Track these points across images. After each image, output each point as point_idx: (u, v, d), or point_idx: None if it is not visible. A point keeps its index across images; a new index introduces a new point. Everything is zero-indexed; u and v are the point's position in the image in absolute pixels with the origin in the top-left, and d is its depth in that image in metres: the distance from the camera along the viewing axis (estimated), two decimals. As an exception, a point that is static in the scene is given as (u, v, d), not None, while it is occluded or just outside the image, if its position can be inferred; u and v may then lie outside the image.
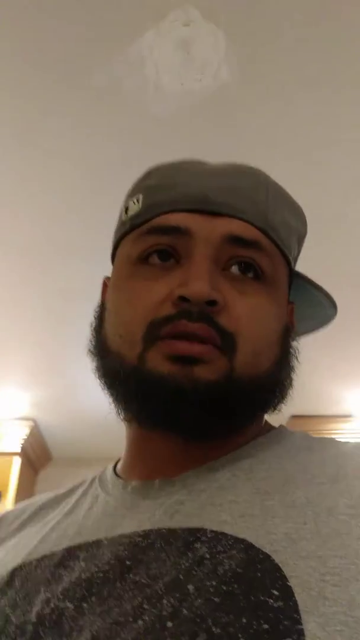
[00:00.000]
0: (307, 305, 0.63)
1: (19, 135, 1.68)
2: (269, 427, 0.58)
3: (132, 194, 0.59)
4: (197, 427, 0.49)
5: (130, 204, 0.58)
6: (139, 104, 1.59)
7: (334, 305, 0.63)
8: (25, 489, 3.09)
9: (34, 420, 3.09)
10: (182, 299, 0.48)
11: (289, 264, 0.58)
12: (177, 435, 0.51)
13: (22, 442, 3.04)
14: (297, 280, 0.61)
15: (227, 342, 0.49)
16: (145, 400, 0.49)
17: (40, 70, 1.51)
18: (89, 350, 0.56)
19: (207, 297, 0.48)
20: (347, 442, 0.54)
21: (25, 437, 3.05)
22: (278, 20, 1.39)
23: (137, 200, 0.57)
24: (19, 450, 3.03)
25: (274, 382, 0.53)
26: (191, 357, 0.48)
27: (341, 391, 2.85)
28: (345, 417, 2.95)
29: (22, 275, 2.23)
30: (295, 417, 2.83)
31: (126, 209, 0.58)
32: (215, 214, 0.52)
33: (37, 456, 3.30)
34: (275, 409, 0.55)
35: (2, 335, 2.57)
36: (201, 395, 0.47)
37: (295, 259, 0.61)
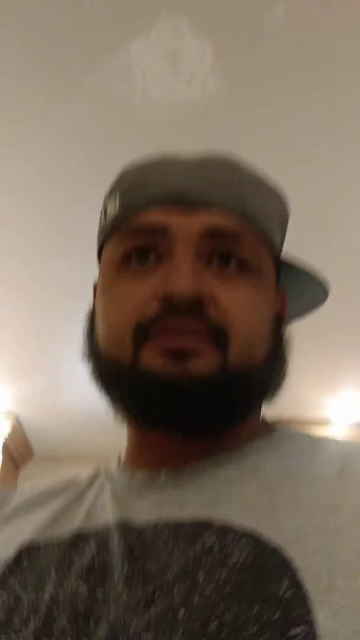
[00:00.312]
0: (298, 287, 0.62)
1: (16, 132, 1.70)
2: (273, 427, 0.58)
3: (109, 196, 0.59)
4: (194, 422, 0.49)
5: (109, 206, 0.58)
6: (128, 110, 1.62)
7: (325, 284, 0.62)
8: (7, 485, 3.10)
9: (16, 416, 3.10)
10: (167, 296, 0.48)
11: (273, 250, 0.57)
12: (176, 432, 0.51)
13: (4, 438, 3.05)
14: (285, 265, 0.60)
15: (218, 336, 0.49)
16: (141, 399, 0.49)
17: (34, 75, 1.54)
18: (83, 354, 0.56)
19: (192, 291, 0.48)
20: (350, 441, 0.55)
21: (7, 433, 3.06)
22: (265, 31, 1.42)
23: (115, 202, 0.57)
24: (1, 446, 3.04)
25: (269, 372, 0.53)
26: (184, 351, 0.48)
27: (320, 397, 2.90)
28: (324, 422, 3.00)
29: (6, 272, 2.24)
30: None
31: (105, 212, 0.58)
32: (192, 208, 0.52)
33: (18, 452, 3.31)
34: (272, 398, 0.55)
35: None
36: (196, 390, 0.47)
37: (281, 244, 0.60)
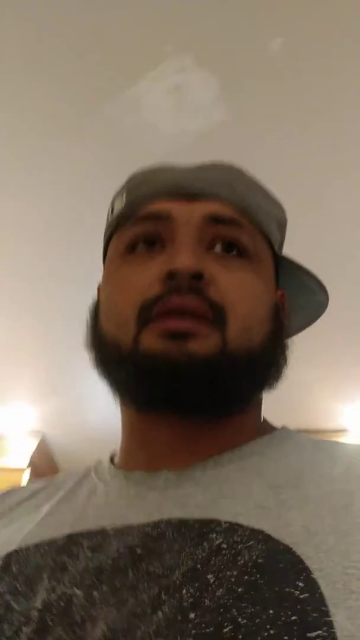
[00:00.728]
0: (298, 294, 0.63)
1: (29, 168, 1.82)
2: (272, 428, 0.58)
3: (117, 196, 0.61)
4: (195, 402, 0.49)
5: (116, 204, 0.60)
6: (136, 141, 1.73)
7: (324, 290, 0.62)
8: (34, 501, 3.17)
9: (42, 434, 3.20)
10: (170, 275, 0.49)
11: (272, 247, 0.58)
12: (176, 413, 0.51)
13: (31, 455, 3.14)
14: (286, 271, 0.61)
15: (217, 315, 0.49)
16: (142, 379, 0.49)
17: (46, 117, 1.66)
18: (86, 344, 0.57)
19: (193, 268, 0.49)
20: (350, 444, 0.54)
21: (34, 451, 3.16)
22: (266, 60, 1.53)
23: (122, 200, 0.59)
24: (28, 463, 3.13)
25: (269, 356, 0.53)
26: (184, 332, 0.48)
27: (336, 406, 2.93)
28: (341, 431, 3.02)
29: (30, 294, 2.35)
30: (293, 431, 2.89)
31: (112, 210, 0.61)
32: (194, 198, 0.54)
33: (45, 469, 3.39)
34: (271, 386, 0.55)
35: (10, 352, 2.68)
36: (197, 369, 0.47)
37: (280, 246, 0.62)
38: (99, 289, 0.61)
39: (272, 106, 1.62)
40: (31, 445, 3.16)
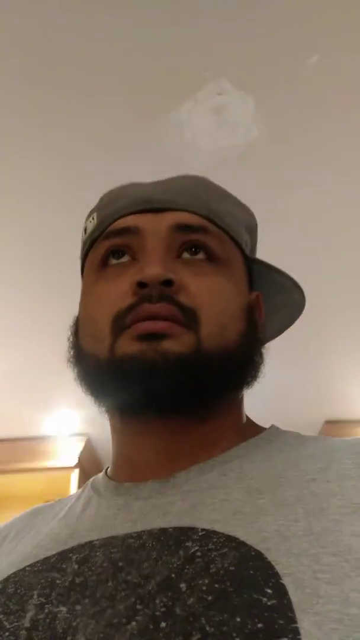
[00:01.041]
0: (275, 295, 0.64)
1: (62, 188, 1.94)
2: (259, 429, 0.58)
3: (88, 217, 0.63)
4: (173, 401, 0.50)
5: (87, 224, 0.62)
6: (178, 160, 1.84)
7: (299, 288, 0.63)
8: (83, 499, 3.30)
9: (87, 436, 3.34)
10: (141, 285, 0.51)
11: (242, 251, 0.60)
12: (157, 418, 0.52)
13: (78, 456, 3.29)
14: (262, 272, 0.63)
15: (189, 318, 0.51)
16: (120, 383, 0.51)
17: (88, 135, 1.78)
18: (68, 361, 0.58)
19: (163, 277, 0.51)
20: (341, 438, 0.54)
21: (81, 452, 3.30)
22: (303, 78, 1.62)
23: (93, 219, 0.61)
24: (75, 464, 3.28)
25: (244, 355, 0.54)
26: (157, 333, 0.50)
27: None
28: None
29: (68, 305, 2.47)
30: (329, 422, 2.92)
31: (85, 230, 0.63)
32: (161, 211, 0.57)
33: (91, 468, 3.53)
34: (248, 385, 0.56)
35: (53, 362, 2.81)
36: (172, 367, 0.49)
37: (252, 249, 0.63)
38: (79, 306, 0.62)
39: (309, 121, 1.71)
40: (78, 447, 3.30)
